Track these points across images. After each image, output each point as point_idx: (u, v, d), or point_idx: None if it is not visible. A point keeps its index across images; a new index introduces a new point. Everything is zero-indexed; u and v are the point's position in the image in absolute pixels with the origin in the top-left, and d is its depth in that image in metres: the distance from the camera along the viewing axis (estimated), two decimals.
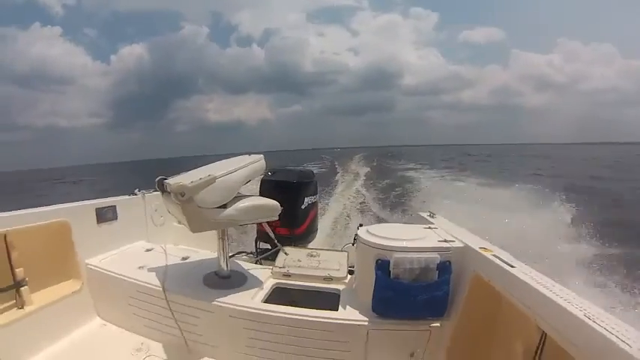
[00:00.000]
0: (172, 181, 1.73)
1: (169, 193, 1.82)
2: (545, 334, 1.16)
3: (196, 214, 1.67)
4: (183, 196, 1.60)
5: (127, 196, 2.64)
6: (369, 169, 20.82)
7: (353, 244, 1.93)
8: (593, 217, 6.37)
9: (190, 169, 2.08)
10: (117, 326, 2.07)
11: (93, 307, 2.14)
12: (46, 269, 2.01)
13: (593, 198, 9.26)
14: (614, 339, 0.85)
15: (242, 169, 1.90)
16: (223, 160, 2.17)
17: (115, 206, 2.44)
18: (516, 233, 4.95)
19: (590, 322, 0.93)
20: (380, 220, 7.17)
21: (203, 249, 2.53)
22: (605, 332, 0.88)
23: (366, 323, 1.63)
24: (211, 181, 1.68)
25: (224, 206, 1.76)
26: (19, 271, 1.79)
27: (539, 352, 1.21)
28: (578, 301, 1.06)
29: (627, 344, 0.83)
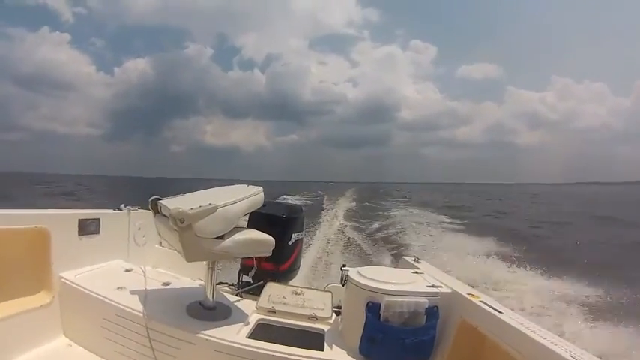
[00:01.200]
0: (170, 204, 1.72)
1: (164, 215, 1.79)
2: None
3: (193, 243, 1.64)
4: (182, 222, 1.58)
5: (111, 210, 2.57)
6: (355, 206, 20.96)
7: (343, 285, 1.93)
8: None
9: (183, 193, 2.06)
10: (84, 348, 1.93)
11: (60, 324, 2.00)
12: (17, 277, 1.89)
13: None
14: None
15: (243, 201, 1.90)
16: (221, 188, 2.17)
17: (99, 219, 2.36)
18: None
19: None
20: (363, 261, 7.17)
21: (183, 275, 2.47)
22: None
23: None
24: (212, 210, 1.67)
25: (221, 237, 1.74)
26: None
27: None
28: (563, 343, 1.17)
29: None
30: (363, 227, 12.65)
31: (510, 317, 1.41)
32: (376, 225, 13.29)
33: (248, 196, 1.97)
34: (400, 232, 11.40)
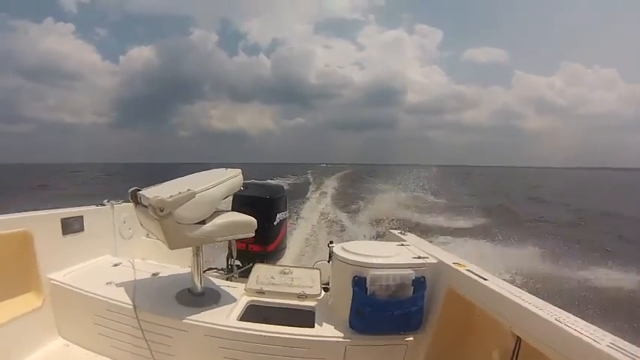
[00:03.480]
0: (149, 194, 1.68)
1: (144, 206, 1.76)
2: (520, 339, 1.26)
3: (174, 230, 1.63)
4: (162, 211, 1.56)
5: (94, 206, 2.52)
6: (345, 186, 21.26)
7: (328, 261, 1.95)
8: None
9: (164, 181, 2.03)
10: (81, 347, 1.93)
11: (55, 325, 1.99)
12: (5, 283, 1.86)
13: None
14: (584, 338, 0.97)
15: (221, 185, 1.88)
16: (200, 173, 2.14)
17: (82, 217, 2.31)
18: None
19: (562, 325, 1.04)
20: (351, 238, 7.26)
21: (172, 264, 2.45)
22: (575, 333, 1.00)
23: (344, 339, 1.65)
24: (191, 196, 1.65)
25: (202, 222, 1.73)
26: None
27: (515, 356, 1.30)
28: (548, 307, 1.18)
29: (596, 342, 0.94)
30: (353, 206, 12.82)
31: (495, 284, 1.42)
32: (364, 203, 13.47)
33: (226, 179, 1.95)
34: (386, 209, 11.77)
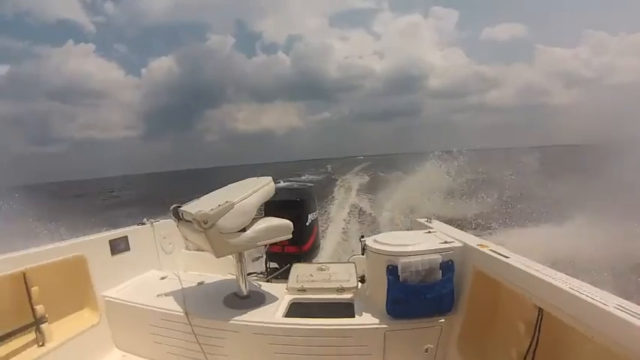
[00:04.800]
0: (190, 209, 1.85)
1: (187, 221, 1.93)
2: (542, 309, 1.36)
3: (219, 240, 1.78)
4: (206, 223, 1.72)
5: (136, 226, 2.73)
6: (374, 177, 20.97)
7: (363, 254, 2.05)
8: None
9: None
10: (137, 356, 2.14)
11: (111, 338, 2.21)
12: (65, 304, 2.09)
13: None
14: (594, 302, 1.09)
15: (256, 193, 2.03)
16: (233, 184, 2.30)
17: (126, 237, 2.52)
18: None
19: (575, 292, 1.17)
20: (380, 231, 7.30)
21: (214, 273, 2.63)
22: (587, 298, 1.12)
23: (382, 326, 1.77)
24: (230, 207, 1.81)
25: (243, 229, 1.89)
26: (39, 308, 1.86)
27: (538, 326, 1.39)
28: (563, 277, 1.30)
29: (603, 304, 1.07)
30: (381, 197, 12.76)
31: (516, 260, 1.52)
32: (395, 193, 13.32)
33: (260, 188, 2.10)
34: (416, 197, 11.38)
